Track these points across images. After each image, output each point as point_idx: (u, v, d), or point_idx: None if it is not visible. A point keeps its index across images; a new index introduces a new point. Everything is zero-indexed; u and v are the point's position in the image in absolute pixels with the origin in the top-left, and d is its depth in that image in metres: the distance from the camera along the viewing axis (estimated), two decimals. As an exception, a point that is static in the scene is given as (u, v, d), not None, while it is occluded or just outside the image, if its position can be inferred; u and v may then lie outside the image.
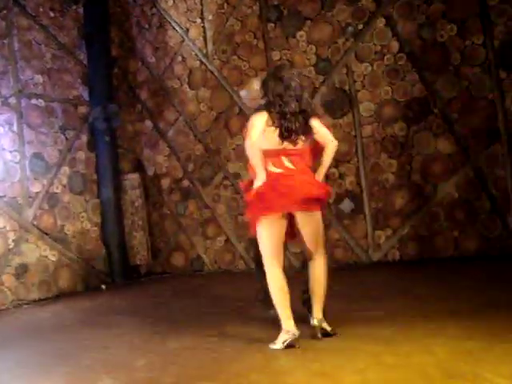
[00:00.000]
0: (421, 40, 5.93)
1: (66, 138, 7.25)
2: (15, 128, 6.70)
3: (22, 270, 6.54)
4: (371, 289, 4.92)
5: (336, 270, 6.18)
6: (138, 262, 7.73)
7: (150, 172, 7.85)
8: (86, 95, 7.55)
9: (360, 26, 6.24)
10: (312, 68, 6.50)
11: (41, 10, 7.16)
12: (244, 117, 6.43)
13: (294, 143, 3.40)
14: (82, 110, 7.50)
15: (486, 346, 2.88)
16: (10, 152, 6.64)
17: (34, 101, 6.93)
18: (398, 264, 5.98)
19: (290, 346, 3.22)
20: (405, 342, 3.12)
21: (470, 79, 5.68)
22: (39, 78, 7.01)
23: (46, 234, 6.85)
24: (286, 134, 3.36)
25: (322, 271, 3.44)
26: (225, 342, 3.62)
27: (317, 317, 3.41)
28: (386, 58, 6.11)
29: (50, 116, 7.09)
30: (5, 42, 6.72)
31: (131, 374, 3.24)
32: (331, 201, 6.40)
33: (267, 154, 3.38)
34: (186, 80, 7.52)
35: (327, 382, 2.67)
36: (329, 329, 3.40)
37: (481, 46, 5.62)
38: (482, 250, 5.63)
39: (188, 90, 7.50)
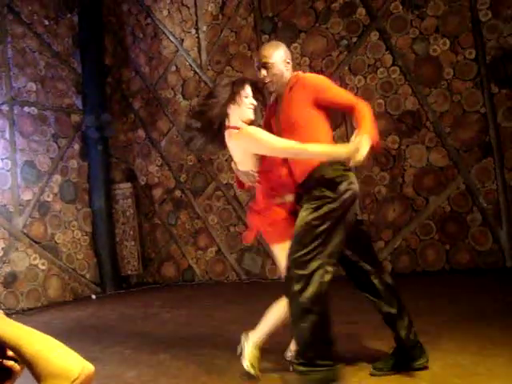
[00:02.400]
0: (414, 54, 5.98)
1: (59, 147, 7.23)
2: (7, 135, 6.67)
3: (11, 279, 6.48)
4: (361, 301, 4.91)
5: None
6: (129, 272, 7.69)
7: (142, 182, 7.83)
8: (79, 104, 7.55)
9: (354, 39, 6.28)
10: (306, 80, 6.52)
11: (35, 17, 7.16)
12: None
13: None
14: (75, 118, 7.49)
15: (478, 359, 2.88)
16: (2, 159, 6.61)
17: (26, 108, 6.91)
18: (389, 276, 5.97)
19: None
20: (397, 355, 3.11)
21: (462, 93, 5.73)
22: (32, 86, 7.00)
23: (37, 242, 6.81)
24: None
25: None
26: (216, 353, 3.60)
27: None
28: (379, 71, 6.16)
29: (43, 124, 7.07)
30: (-2, 49, 6.72)
31: (122, 385, 3.20)
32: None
33: None
34: (180, 90, 7.53)
35: (320, 394, 2.65)
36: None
37: (473, 60, 5.67)
38: (473, 264, 5.65)
39: (181, 100, 7.50)
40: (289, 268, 2.57)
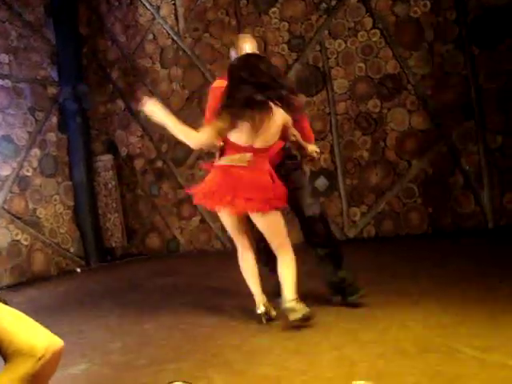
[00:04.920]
0: (394, 16, 5.89)
1: (36, 120, 7.08)
2: (-19, 110, 6.52)
3: (-6, 255, 6.42)
4: (346, 265, 4.94)
5: (311, 247, 6.23)
6: (113, 245, 7.65)
7: (123, 153, 7.72)
8: (54, 75, 7.36)
9: (333, 3, 6.17)
10: (285, 45, 6.43)
11: (3, -15, 6.92)
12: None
13: None
14: (52, 90, 7.31)
15: (459, 319, 2.91)
16: (-23, 134, 6.47)
17: (0, 81, 6.73)
18: (373, 240, 6.02)
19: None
20: (380, 317, 3.14)
21: (443, 55, 5.68)
22: (5, 58, 6.78)
23: (18, 218, 6.72)
24: None
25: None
26: (201, 322, 3.60)
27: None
28: (359, 34, 6.07)
29: (18, 97, 6.89)
30: (-33, 19, 6.51)
31: (106, 356, 3.20)
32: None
33: None
34: (158, 59, 7.38)
35: (303, 359, 2.67)
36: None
37: (454, 22, 5.61)
38: (455, 226, 5.69)
39: (160, 68, 7.37)
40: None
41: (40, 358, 1.08)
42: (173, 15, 7.23)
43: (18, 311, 1.20)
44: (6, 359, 1.12)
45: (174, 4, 7.19)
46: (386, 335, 2.82)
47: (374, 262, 4.87)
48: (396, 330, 2.88)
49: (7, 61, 6.81)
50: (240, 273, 3.50)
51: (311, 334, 3.04)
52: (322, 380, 2.38)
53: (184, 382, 1.83)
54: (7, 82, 6.79)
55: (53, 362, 1.12)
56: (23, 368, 1.07)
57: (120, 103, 7.72)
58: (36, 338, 1.11)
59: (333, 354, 2.66)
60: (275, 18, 6.48)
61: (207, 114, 3.59)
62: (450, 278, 3.85)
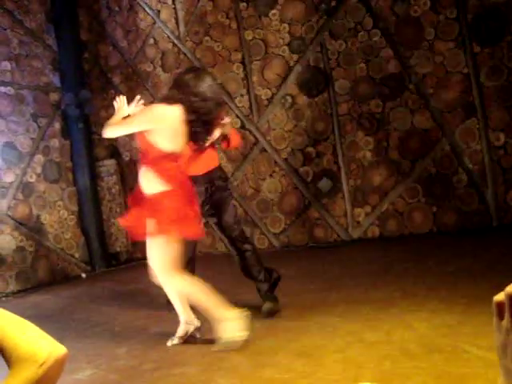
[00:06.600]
0: (394, 15, 5.89)
1: (39, 126, 7.09)
2: (-16, 117, 6.54)
3: (-1, 262, 6.43)
4: (351, 266, 4.94)
5: (316, 249, 6.23)
6: (118, 249, 7.66)
7: (126, 158, 7.73)
8: (56, 81, 7.37)
9: (333, 3, 6.17)
10: (286, 47, 6.42)
11: (4, -7, 6.94)
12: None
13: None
14: (54, 96, 7.32)
15: (464, 318, 2.90)
16: (-19, 142, 6.49)
17: (2, 88, 6.74)
18: (377, 241, 6.01)
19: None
20: (385, 318, 3.14)
21: (445, 54, 5.67)
22: (7, 65, 6.81)
23: (22, 224, 6.73)
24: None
25: None
26: (207, 326, 3.59)
27: None
28: (360, 34, 6.07)
29: (21, 104, 6.91)
30: (-32, 27, 6.53)
31: (112, 362, 3.21)
32: (309, 180, 6.38)
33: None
34: (159, 63, 7.39)
35: (309, 361, 2.66)
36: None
37: (454, 20, 5.60)
38: (460, 224, 5.67)
39: (161, 73, 7.37)
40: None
41: (42, 365, 1.08)
42: (173, 19, 7.24)
43: (21, 318, 1.20)
44: (9, 366, 1.12)
45: (175, 8, 7.20)
46: (391, 336, 2.82)
47: (379, 263, 4.87)
48: (401, 330, 2.87)
49: (9, 68, 6.83)
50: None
51: (315, 336, 3.03)
52: (327, 382, 2.37)
53: None
54: (10, 89, 6.81)
55: (56, 368, 1.12)
56: (25, 374, 1.08)
57: (122, 108, 7.72)
58: (38, 344, 1.11)
59: (338, 355, 2.66)
60: (275, 19, 6.48)
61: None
62: (455, 277, 3.84)
